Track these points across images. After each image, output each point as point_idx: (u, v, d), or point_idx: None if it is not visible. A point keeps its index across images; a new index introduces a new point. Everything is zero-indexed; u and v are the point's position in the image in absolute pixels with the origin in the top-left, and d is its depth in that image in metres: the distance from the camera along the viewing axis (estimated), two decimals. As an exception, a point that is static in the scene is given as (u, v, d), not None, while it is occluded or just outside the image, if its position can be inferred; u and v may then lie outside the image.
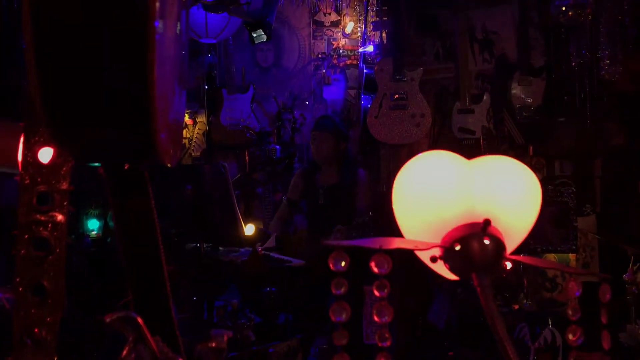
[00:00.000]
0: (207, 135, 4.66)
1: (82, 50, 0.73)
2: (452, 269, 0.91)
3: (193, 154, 4.66)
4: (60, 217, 0.87)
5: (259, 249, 3.57)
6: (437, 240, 0.92)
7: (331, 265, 0.87)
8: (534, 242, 3.35)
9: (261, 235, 3.79)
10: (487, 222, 0.88)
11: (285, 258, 3.53)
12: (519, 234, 0.94)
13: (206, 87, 4.68)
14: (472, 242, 0.88)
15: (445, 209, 0.90)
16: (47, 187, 0.86)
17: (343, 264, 0.87)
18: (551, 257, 3.45)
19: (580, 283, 0.91)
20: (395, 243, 0.90)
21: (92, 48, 0.73)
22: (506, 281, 3.11)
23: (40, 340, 0.86)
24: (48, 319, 0.86)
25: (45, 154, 0.87)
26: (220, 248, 3.64)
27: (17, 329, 0.86)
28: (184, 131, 4.69)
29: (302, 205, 4.08)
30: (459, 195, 0.90)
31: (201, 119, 4.71)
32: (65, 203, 0.87)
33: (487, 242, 0.88)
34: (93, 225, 4.36)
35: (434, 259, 0.92)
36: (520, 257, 0.93)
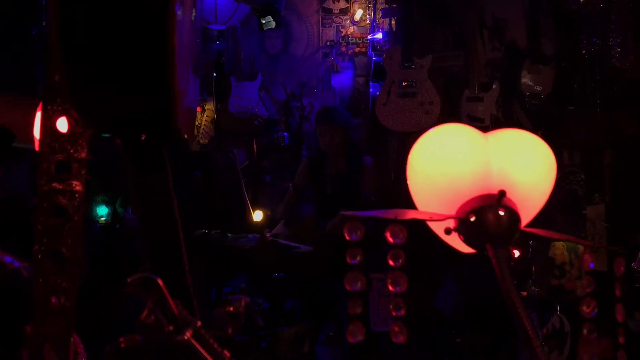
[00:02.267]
0: (215, 122, 4.67)
1: (104, 16, 0.74)
2: (466, 241, 0.91)
3: (201, 141, 4.67)
4: (78, 186, 0.88)
5: (267, 235, 3.59)
6: (452, 212, 0.93)
7: (346, 235, 0.88)
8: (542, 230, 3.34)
9: (269, 222, 3.80)
10: (502, 193, 0.88)
11: (293, 244, 3.54)
12: (533, 206, 0.94)
13: (214, 74, 4.68)
14: (487, 213, 0.88)
15: (460, 180, 0.90)
16: (66, 156, 0.87)
17: (358, 233, 0.87)
18: (559, 245, 3.45)
19: (594, 255, 0.91)
20: (410, 214, 0.90)
21: (115, 14, 0.74)
22: (514, 268, 3.11)
23: (59, 307, 0.87)
24: (67, 286, 0.87)
25: (64, 123, 0.88)
26: (229, 234, 3.66)
27: (36, 297, 0.87)
28: (192, 118, 4.70)
29: (309, 193, 4.08)
30: (474, 166, 0.90)
31: (209, 106, 4.72)
32: (83, 172, 0.88)
33: (502, 213, 0.89)
34: (102, 211, 4.38)
35: (448, 231, 0.92)
36: (535, 230, 0.93)
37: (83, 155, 0.88)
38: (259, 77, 4.72)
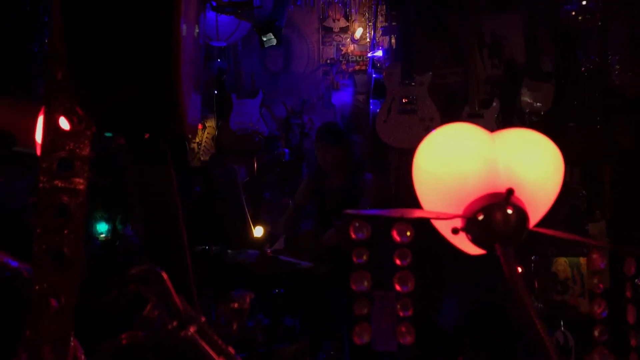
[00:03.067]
0: (216, 139, 4.67)
1: (108, 8, 0.74)
2: (474, 240, 0.90)
3: (202, 158, 4.67)
4: (81, 184, 0.87)
5: (268, 250, 3.57)
6: (459, 212, 0.91)
7: (352, 234, 0.87)
8: (544, 246, 3.33)
9: (270, 237, 3.78)
10: (510, 192, 0.87)
11: (294, 260, 3.52)
12: (541, 205, 0.93)
13: (215, 91, 4.70)
14: (495, 212, 0.87)
15: (468, 179, 0.89)
16: (68, 153, 0.86)
17: (365, 232, 0.86)
18: (562, 260, 3.43)
19: (604, 256, 0.90)
20: (417, 213, 0.89)
21: (119, 6, 0.74)
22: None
23: (59, 308, 0.85)
24: (67, 287, 0.85)
25: (66, 121, 0.87)
26: (229, 250, 3.64)
27: (35, 297, 0.85)
28: (193, 135, 4.70)
29: (310, 210, 4.07)
30: (481, 164, 0.89)
31: (210, 123, 4.73)
32: (86, 170, 0.87)
33: (510, 211, 0.87)
34: (102, 228, 4.36)
35: (455, 231, 0.91)
36: (544, 230, 0.91)
37: (86, 152, 0.87)
38: (260, 94, 4.74)
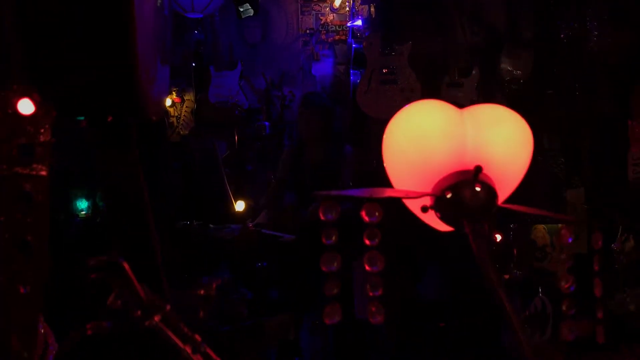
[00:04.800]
0: (195, 113, 4.62)
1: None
2: (443, 218, 0.90)
3: (182, 132, 4.61)
4: (43, 170, 0.85)
5: (250, 225, 3.57)
6: (428, 189, 0.91)
7: (321, 215, 0.86)
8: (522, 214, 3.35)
9: (251, 212, 3.78)
10: (478, 169, 0.87)
11: (276, 233, 3.52)
12: (511, 182, 0.92)
13: (193, 64, 4.62)
14: (464, 190, 0.87)
15: (436, 156, 0.89)
16: (28, 139, 0.84)
17: (334, 213, 0.85)
18: (540, 227, 3.47)
19: (572, 230, 0.90)
20: (386, 192, 0.89)
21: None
22: (496, 252, 3.12)
23: (24, 296, 0.84)
24: (33, 274, 0.84)
25: (26, 106, 0.85)
26: (211, 225, 3.63)
27: (1, 286, 0.84)
28: (172, 109, 4.64)
29: (291, 183, 4.06)
30: (450, 142, 0.89)
31: (189, 96, 4.66)
32: (47, 156, 0.85)
33: (478, 189, 0.87)
34: (82, 205, 4.32)
35: (424, 209, 0.91)
36: (513, 206, 0.92)
37: (47, 138, 0.85)
38: (239, 66, 4.67)
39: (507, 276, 3.10)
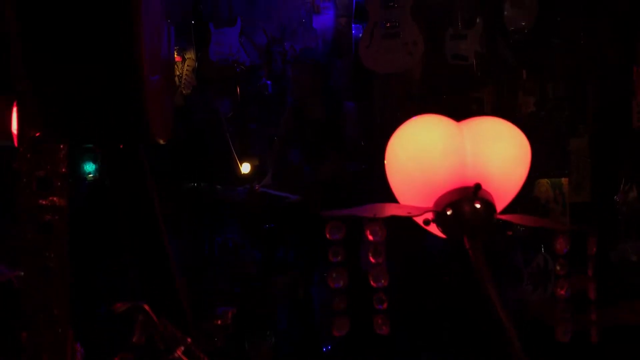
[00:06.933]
0: (196, 71, 4.58)
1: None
2: (444, 232, 0.94)
3: (184, 92, 4.59)
4: (61, 201, 0.89)
5: (257, 186, 3.62)
6: (430, 203, 0.95)
7: (328, 235, 0.90)
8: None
9: (258, 173, 3.82)
10: (477, 187, 0.90)
11: (283, 194, 3.58)
12: (509, 194, 0.96)
13: (193, 22, 4.55)
14: (464, 207, 0.91)
15: (437, 173, 0.92)
16: (46, 172, 0.87)
17: (340, 234, 0.89)
18: (544, 182, 3.50)
19: (568, 240, 0.94)
20: (389, 210, 0.92)
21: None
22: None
23: (51, 317, 0.90)
24: (56, 297, 0.89)
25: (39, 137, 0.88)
26: (218, 186, 3.69)
27: (27, 310, 0.89)
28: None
29: (294, 140, 4.08)
30: (450, 158, 0.92)
31: (190, 55, 4.61)
32: (65, 187, 0.88)
33: (478, 206, 0.91)
34: (89, 167, 4.35)
35: (427, 222, 0.95)
36: (510, 217, 0.95)
37: (63, 170, 0.88)
38: (239, 22, 4.59)
39: (510, 233, 3.16)
